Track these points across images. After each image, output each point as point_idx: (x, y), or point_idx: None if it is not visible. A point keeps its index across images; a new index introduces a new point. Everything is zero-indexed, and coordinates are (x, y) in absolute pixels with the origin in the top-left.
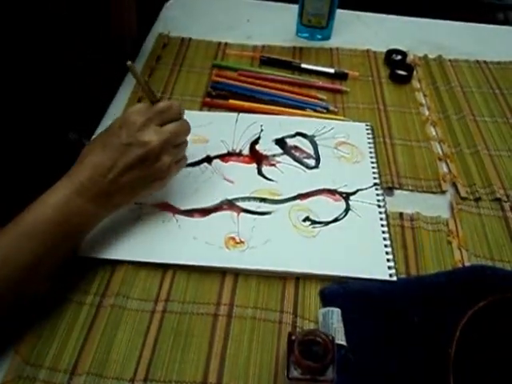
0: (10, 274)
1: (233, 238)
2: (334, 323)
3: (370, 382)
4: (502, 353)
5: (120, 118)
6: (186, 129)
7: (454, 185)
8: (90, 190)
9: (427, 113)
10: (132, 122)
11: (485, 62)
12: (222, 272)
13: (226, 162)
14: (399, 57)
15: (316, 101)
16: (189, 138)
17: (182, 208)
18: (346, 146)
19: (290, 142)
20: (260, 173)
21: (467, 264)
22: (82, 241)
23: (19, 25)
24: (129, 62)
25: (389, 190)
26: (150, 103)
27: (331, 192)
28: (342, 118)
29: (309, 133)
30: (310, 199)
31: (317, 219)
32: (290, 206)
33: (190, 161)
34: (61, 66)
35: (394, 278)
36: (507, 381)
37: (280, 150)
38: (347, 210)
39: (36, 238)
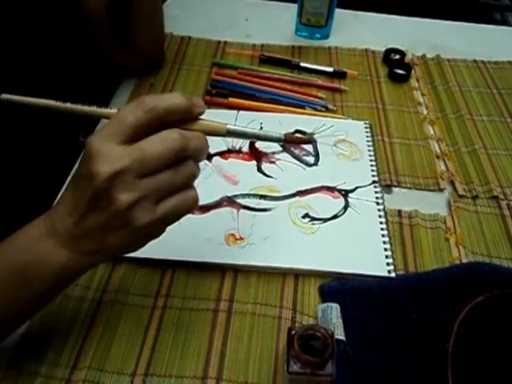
0: None
1: (233, 235)
2: (333, 319)
3: (369, 377)
4: (499, 348)
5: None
6: (176, 143)
7: (452, 183)
8: (58, 230)
9: (425, 111)
10: (88, 144)
11: (482, 61)
12: (222, 268)
13: (226, 159)
14: (397, 56)
15: (315, 99)
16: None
17: None
18: (345, 143)
19: None
20: (260, 170)
21: (465, 261)
22: (59, 295)
23: (20, 24)
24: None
25: (387, 188)
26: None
27: (330, 189)
28: (340, 116)
29: (308, 130)
30: (310, 196)
31: (316, 216)
32: (289, 203)
33: None
34: (60, 65)
35: (393, 275)
36: (505, 375)
37: (279, 148)
38: (346, 207)
39: None
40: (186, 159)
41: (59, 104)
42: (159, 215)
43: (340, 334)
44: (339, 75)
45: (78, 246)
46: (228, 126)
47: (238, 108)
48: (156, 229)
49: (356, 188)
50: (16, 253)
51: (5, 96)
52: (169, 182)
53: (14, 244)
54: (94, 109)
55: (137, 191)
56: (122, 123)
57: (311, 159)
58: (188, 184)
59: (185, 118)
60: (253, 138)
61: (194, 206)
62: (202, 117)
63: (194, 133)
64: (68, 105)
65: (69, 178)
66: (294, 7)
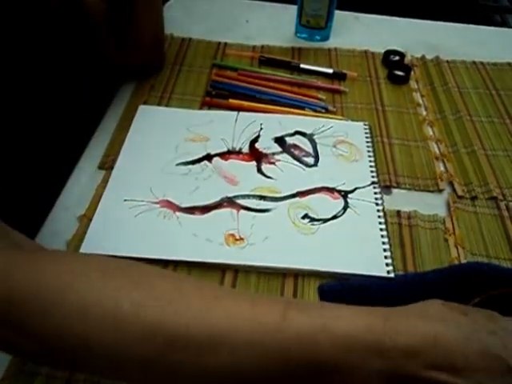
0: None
1: (233, 235)
2: None
3: None
4: None
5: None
6: None
7: (451, 184)
8: (395, 360)
9: (424, 113)
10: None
11: (481, 63)
12: (222, 268)
13: (226, 159)
14: (397, 58)
15: (315, 101)
16: (189, 136)
17: (183, 205)
18: (344, 144)
19: (290, 140)
20: (259, 171)
21: (464, 261)
22: None
23: (20, 24)
24: None
25: (387, 189)
26: None
27: (330, 190)
28: (340, 117)
29: (308, 131)
30: (309, 197)
31: (316, 216)
32: (289, 204)
33: (190, 159)
34: (61, 66)
35: (392, 275)
36: None
37: (279, 149)
38: (345, 207)
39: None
40: None
41: None
42: None
43: None
44: (339, 76)
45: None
46: None
47: (238, 109)
48: None
49: (355, 189)
50: (327, 339)
51: None
52: None
53: (330, 325)
54: None
55: None
56: None
57: (311, 160)
58: None
59: None
60: None
61: None
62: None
63: None
64: None
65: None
66: (294, 9)
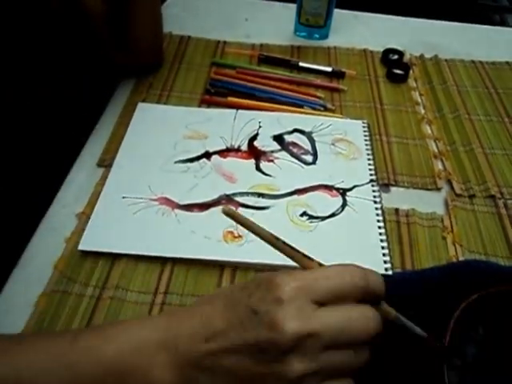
0: None
1: (231, 232)
2: None
3: (365, 374)
4: (494, 343)
5: (264, 275)
6: (370, 323)
7: (449, 182)
8: (180, 348)
9: (423, 111)
10: (275, 284)
11: (480, 61)
12: (221, 265)
13: (225, 157)
14: (396, 56)
15: (314, 99)
16: (187, 134)
17: (181, 203)
18: (343, 142)
19: (288, 138)
20: (258, 168)
21: (461, 259)
22: None
23: (20, 24)
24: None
25: (385, 187)
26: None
27: (328, 188)
28: (339, 115)
29: (306, 129)
30: (308, 194)
31: (314, 214)
32: (287, 201)
33: (188, 156)
34: (60, 65)
35: (390, 272)
36: (502, 372)
37: (278, 146)
38: (344, 205)
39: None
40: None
41: (272, 239)
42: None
43: None
44: (338, 75)
45: (192, 378)
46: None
47: (237, 107)
48: None
49: (354, 187)
50: (114, 348)
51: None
52: (343, 362)
53: (117, 335)
54: (299, 256)
55: (315, 363)
56: (323, 282)
57: (309, 158)
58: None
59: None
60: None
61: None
62: None
63: None
64: (280, 243)
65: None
66: (293, 7)
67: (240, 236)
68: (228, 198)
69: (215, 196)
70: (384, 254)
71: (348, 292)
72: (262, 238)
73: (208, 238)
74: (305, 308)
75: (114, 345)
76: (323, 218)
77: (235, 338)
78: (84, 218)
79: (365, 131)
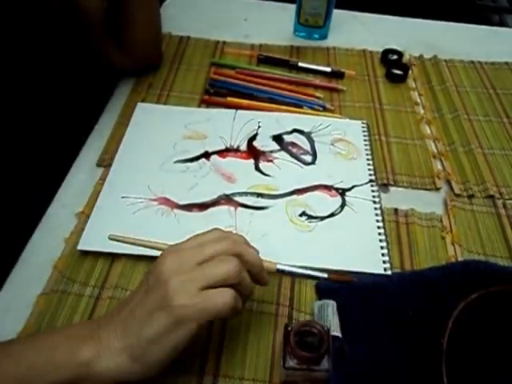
0: None
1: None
2: (329, 315)
3: (364, 373)
4: (493, 344)
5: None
6: (251, 259)
7: (448, 182)
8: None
9: (422, 111)
10: (162, 282)
11: (479, 62)
12: None
13: (224, 157)
14: (395, 56)
15: (313, 99)
16: (187, 134)
17: (181, 203)
18: (342, 142)
19: (287, 138)
20: (257, 168)
21: (460, 259)
22: None
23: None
24: None
25: (384, 187)
26: None
27: (327, 188)
28: (338, 116)
29: (306, 129)
30: (307, 194)
31: (313, 214)
32: (286, 201)
33: (188, 156)
34: (60, 65)
35: (389, 272)
36: (500, 371)
37: (277, 147)
38: (343, 205)
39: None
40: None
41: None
42: (197, 300)
43: (336, 331)
44: (337, 75)
45: (108, 340)
46: (278, 266)
47: (236, 107)
48: (189, 316)
49: (353, 187)
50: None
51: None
52: (215, 273)
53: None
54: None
55: (188, 274)
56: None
57: (309, 158)
58: (228, 281)
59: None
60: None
61: (224, 305)
62: None
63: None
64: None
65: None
66: (293, 7)
67: None
68: (227, 198)
69: (214, 196)
70: (383, 254)
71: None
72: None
73: None
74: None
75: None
76: (322, 218)
77: (133, 299)
78: (83, 217)
79: (364, 131)
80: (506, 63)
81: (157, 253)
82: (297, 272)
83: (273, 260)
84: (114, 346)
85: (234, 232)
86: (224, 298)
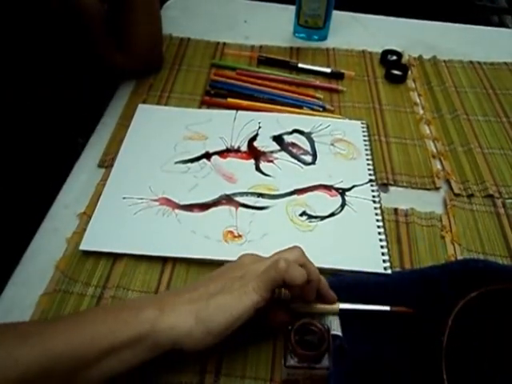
0: None
1: (231, 232)
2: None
3: (365, 371)
4: (493, 342)
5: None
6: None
7: (448, 182)
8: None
9: (421, 112)
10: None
11: (478, 62)
12: (221, 265)
13: (225, 158)
14: (394, 57)
15: (313, 100)
16: (188, 135)
17: (182, 203)
18: (342, 142)
19: (288, 138)
20: (258, 169)
21: (460, 258)
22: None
23: (20, 24)
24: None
25: (384, 187)
26: None
27: (327, 188)
28: (338, 116)
29: (306, 130)
30: (307, 194)
31: (313, 214)
32: (287, 201)
33: (189, 157)
34: (60, 66)
35: (389, 271)
36: (498, 368)
37: (277, 147)
38: (343, 205)
39: None
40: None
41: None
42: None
43: (336, 330)
44: (337, 76)
45: (173, 303)
46: (340, 306)
47: (237, 108)
48: (256, 286)
49: (353, 186)
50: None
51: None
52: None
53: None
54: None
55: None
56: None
57: (309, 158)
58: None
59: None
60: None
61: (294, 277)
62: None
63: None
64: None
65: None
66: (292, 9)
67: (240, 236)
68: (228, 198)
69: (215, 196)
70: (383, 254)
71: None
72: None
73: (208, 238)
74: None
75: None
76: (322, 218)
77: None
78: (85, 218)
79: (364, 131)
80: (505, 63)
81: (157, 253)
82: (360, 309)
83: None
84: (181, 306)
85: (236, 232)
86: (294, 270)
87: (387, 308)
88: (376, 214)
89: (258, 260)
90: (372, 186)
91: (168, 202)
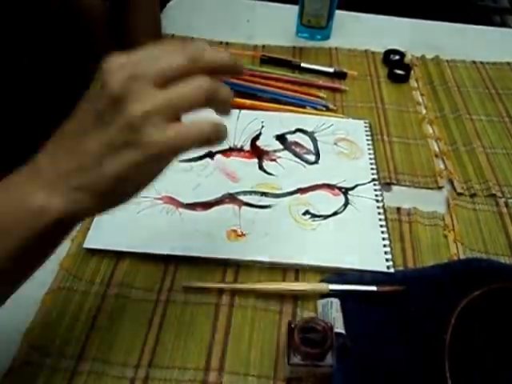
0: None
1: (234, 231)
2: (332, 313)
3: (368, 369)
4: (496, 340)
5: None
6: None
7: (450, 181)
8: (41, 168)
9: (424, 111)
10: (107, 85)
11: (481, 62)
12: (224, 263)
13: (228, 157)
14: (397, 57)
15: (316, 99)
16: None
17: (185, 202)
18: (345, 142)
19: (291, 138)
20: (261, 168)
21: (462, 257)
22: (44, 253)
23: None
24: None
25: (387, 186)
26: None
27: (330, 187)
28: (341, 115)
29: (309, 129)
30: (310, 193)
31: (316, 213)
32: (290, 200)
33: (192, 156)
34: (60, 65)
35: (392, 270)
36: (501, 367)
37: (280, 146)
38: (346, 204)
39: None
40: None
41: None
42: (170, 136)
43: (339, 328)
44: (339, 75)
45: (62, 183)
46: (330, 287)
47: (240, 107)
48: (161, 157)
49: (356, 186)
50: None
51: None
52: (182, 96)
53: None
54: None
55: (151, 101)
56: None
57: (312, 157)
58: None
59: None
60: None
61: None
62: None
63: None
64: None
65: None
66: (295, 9)
67: (243, 234)
68: (231, 197)
69: (218, 195)
70: (386, 253)
71: (183, 68)
72: None
73: (211, 237)
74: (123, 60)
75: None
76: (325, 217)
77: (79, 128)
78: None
79: (366, 131)
80: (508, 63)
81: (161, 252)
82: (348, 290)
83: (324, 284)
84: (67, 184)
85: (239, 230)
86: (203, 125)
87: (374, 288)
88: (379, 213)
89: (137, 91)
90: (375, 185)
91: (172, 200)
